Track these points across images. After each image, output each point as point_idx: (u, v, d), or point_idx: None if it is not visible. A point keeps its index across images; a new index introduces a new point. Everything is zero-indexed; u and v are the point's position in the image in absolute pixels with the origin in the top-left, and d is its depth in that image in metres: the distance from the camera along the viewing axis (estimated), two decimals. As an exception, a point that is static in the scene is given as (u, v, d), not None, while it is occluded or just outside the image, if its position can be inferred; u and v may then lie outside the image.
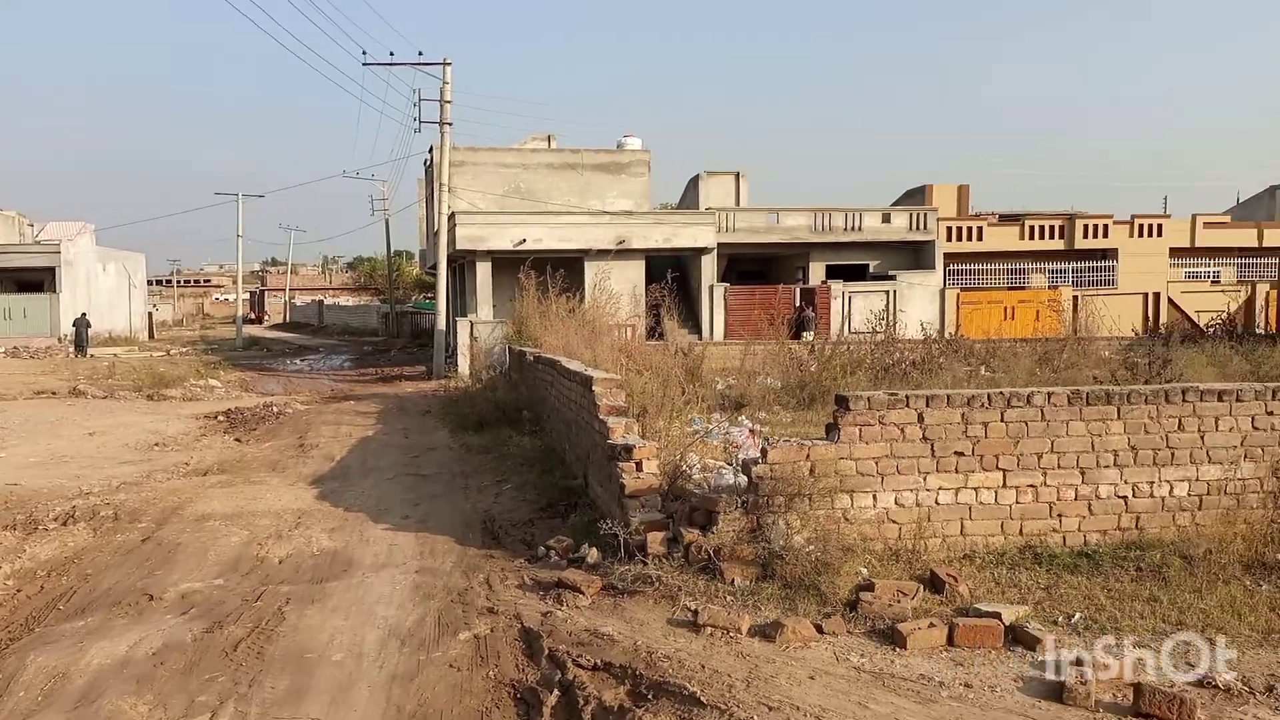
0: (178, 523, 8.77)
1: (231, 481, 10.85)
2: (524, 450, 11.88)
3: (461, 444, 13.20)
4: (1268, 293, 28.65)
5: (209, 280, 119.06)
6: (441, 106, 25.88)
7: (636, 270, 26.58)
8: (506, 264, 24.64)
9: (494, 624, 5.90)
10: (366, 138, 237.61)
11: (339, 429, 15.22)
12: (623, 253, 26.44)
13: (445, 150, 26.14)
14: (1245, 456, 7.07)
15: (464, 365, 23.08)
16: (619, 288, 23.04)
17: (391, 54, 26.39)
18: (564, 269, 20.32)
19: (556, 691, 4.93)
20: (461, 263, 28.73)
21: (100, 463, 12.03)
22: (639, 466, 7.21)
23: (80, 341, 33.30)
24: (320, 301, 75.41)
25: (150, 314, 50.62)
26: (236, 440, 14.20)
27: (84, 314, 34.67)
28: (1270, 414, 7.12)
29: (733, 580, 6.12)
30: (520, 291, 19.99)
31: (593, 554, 6.84)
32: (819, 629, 5.49)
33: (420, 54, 26.42)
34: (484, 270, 26.05)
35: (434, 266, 28.66)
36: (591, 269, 25.07)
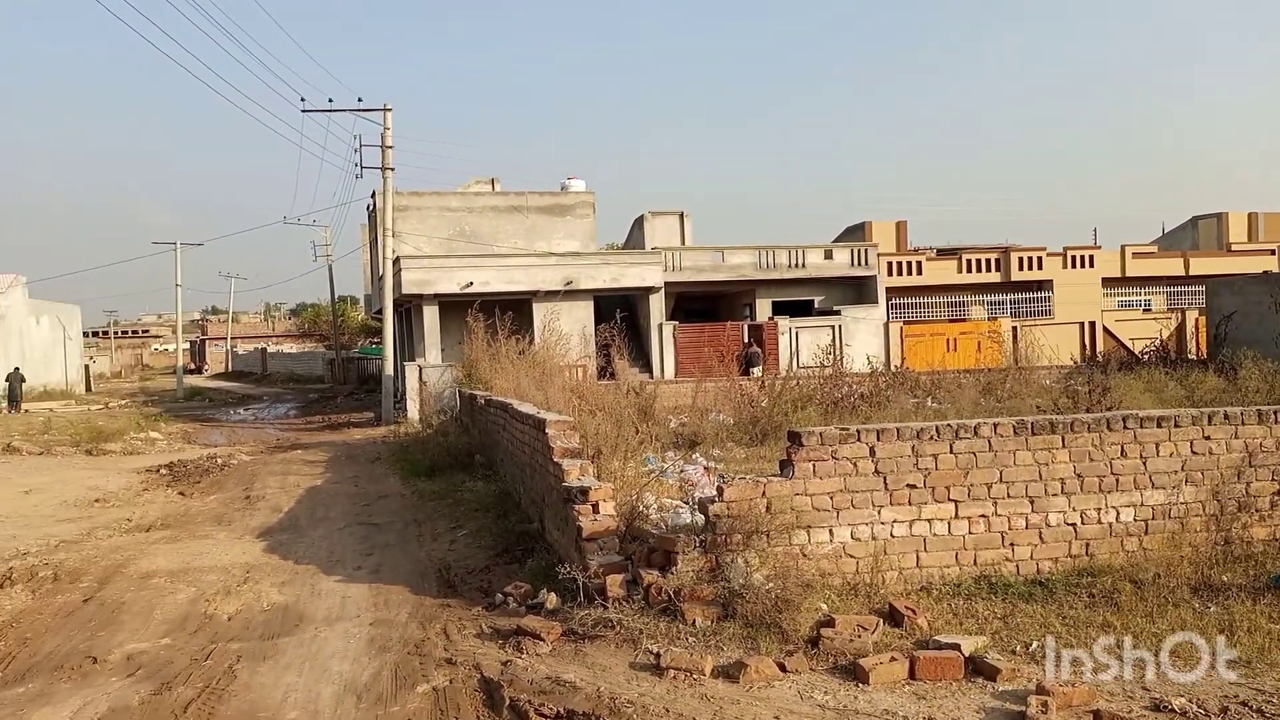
0: (121, 581, 8.48)
1: (176, 537, 10.55)
2: (478, 495, 11.75)
3: (413, 490, 13.01)
4: (1196, 319, 29.62)
5: (147, 330, 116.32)
6: (383, 152, 25.87)
7: (585, 310, 26.64)
8: (454, 307, 24.54)
9: (453, 675, 5.79)
10: (307, 184, 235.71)
11: (286, 479, 14.91)
12: (571, 293, 26.50)
13: (388, 195, 26.08)
14: (1186, 481, 7.28)
15: (413, 410, 22.82)
16: (568, 328, 23.05)
17: (330, 100, 26.25)
18: (512, 311, 20.28)
19: (520, 742, 4.85)
20: (408, 307, 28.53)
21: (37, 521, 11.62)
22: (595, 509, 7.17)
23: (13, 396, 32.22)
24: (263, 349, 74.11)
25: (87, 366, 49.20)
26: (180, 494, 13.83)
27: (17, 368, 33.60)
28: (1208, 439, 7.34)
29: (694, 621, 6.09)
30: (469, 335, 19.88)
31: (552, 599, 6.76)
32: (782, 667, 5.48)
33: (360, 100, 26.36)
34: (431, 314, 25.89)
35: (379, 311, 28.43)
36: (540, 310, 25.06)
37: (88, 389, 45.79)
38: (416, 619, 7.01)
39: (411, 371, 23.89)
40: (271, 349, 74.87)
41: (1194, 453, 7.31)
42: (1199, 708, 4.89)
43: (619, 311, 23.38)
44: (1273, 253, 33.55)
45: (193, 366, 68.55)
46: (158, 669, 6.13)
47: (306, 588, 8.13)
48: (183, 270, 46.23)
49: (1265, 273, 27.95)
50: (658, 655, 5.63)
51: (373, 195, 31.56)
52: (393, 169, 25.87)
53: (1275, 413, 7.49)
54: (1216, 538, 7.23)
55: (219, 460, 17.50)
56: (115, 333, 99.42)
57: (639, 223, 33.09)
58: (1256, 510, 7.29)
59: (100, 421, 25.15)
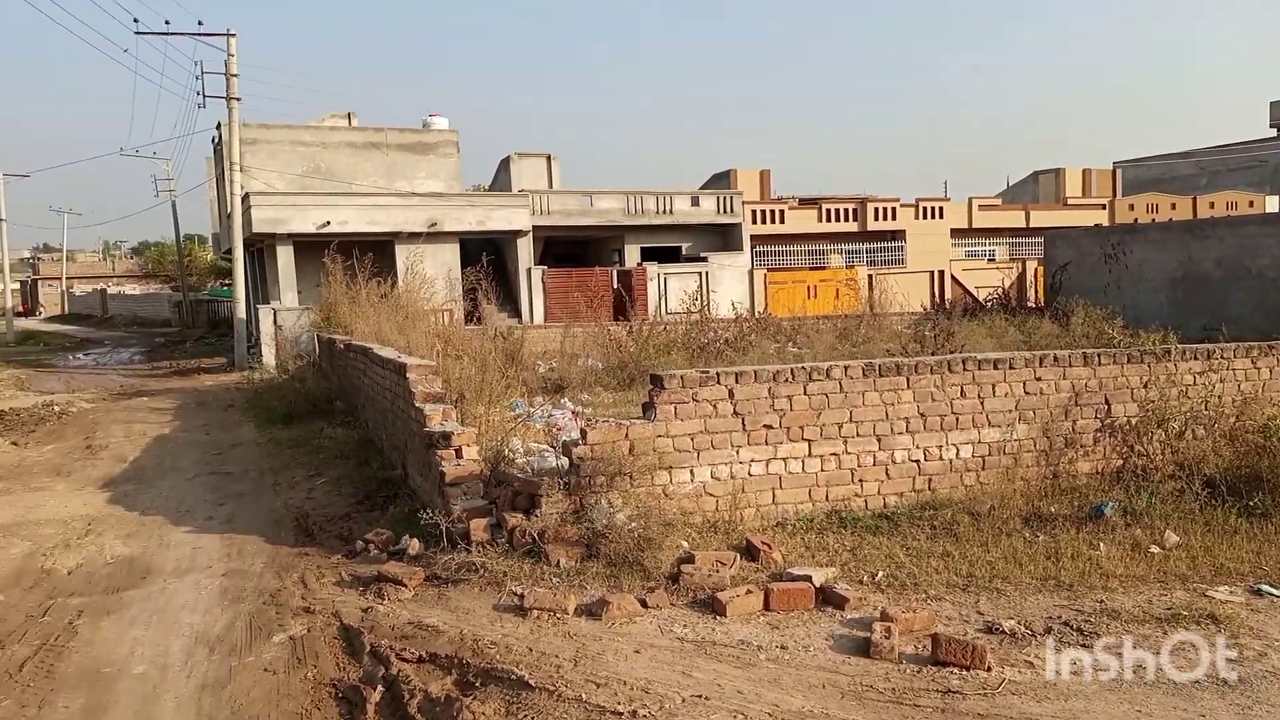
0: (-59, 539, 7.89)
1: (9, 489, 9.87)
2: (338, 442, 11.43)
3: (269, 438, 12.55)
4: (1036, 268, 31.47)
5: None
6: (228, 80, 24.25)
7: (451, 254, 26.04)
8: (310, 248, 23.52)
9: (311, 623, 5.68)
10: (145, 114, 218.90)
11: (131, 428, 14.11)
12: (435, 236, 25.81)
13: (235, 127, 24.56)
14: (1020, 419, 7.79)
15: (269, 356, 21.89)
16: (433, 272, 22.52)
17: (167, 23, 24.26)
18: (373, 253, 19.62)
19: (380, 687, 4.82)
20: (260, 247, 27.17)
21: None
22: (459, 453, 7.11)
23: None
24: (103, 290, 69.28)
25: (-106, 307, 44.85)
26: (13, 444, 12.89)
27: None
28: (1039, 379, 7.87)
29: (558, 562, 6.16)
30: (327, 277, 19.15)
31: (414, 545, 6.69)
32: (643, 603, 5.63)
33: (200, 23, 24.55)
34: (285, 255, 24.74)
35: (229, 251, 26.95)
36: (403, 253, 24.36)
37: (-102, 333, 41.80)
38: (273, 569, 6.82)
39: (266, 315, 22.84)
40: (112, 290, 70.07)
41: (1026, 393, 7.82)
42: (1026, 628, 5.31)
43: (485, 255, 22.98)
44: (1104, 207, 35.92)
45: (24, 309, 63.44)
46: (-14, 629, 5.76)
47: (154, 539, 7.77)
48: (7, 204, 42.53)
49: (1096, 226, 29.94)
50: (521, 596, 5.67)
51: (218, 127, 29.67)
52: (239, 99, 24.29)
53: (1099, 355, 8.09)
54: (1046, 472, 7.80)
55: (56, 408, 16.38)
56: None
57: (505, 164, 32.43)
58: (1081, 446, 7.89)
59: (-86, 368, 23.08)
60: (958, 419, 7.67)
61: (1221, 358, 8.33)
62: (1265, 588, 5.81)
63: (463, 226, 26.50)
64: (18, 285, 64.01)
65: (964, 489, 7.60)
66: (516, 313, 27.04)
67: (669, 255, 30.83)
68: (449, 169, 29.44)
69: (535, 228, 28.19)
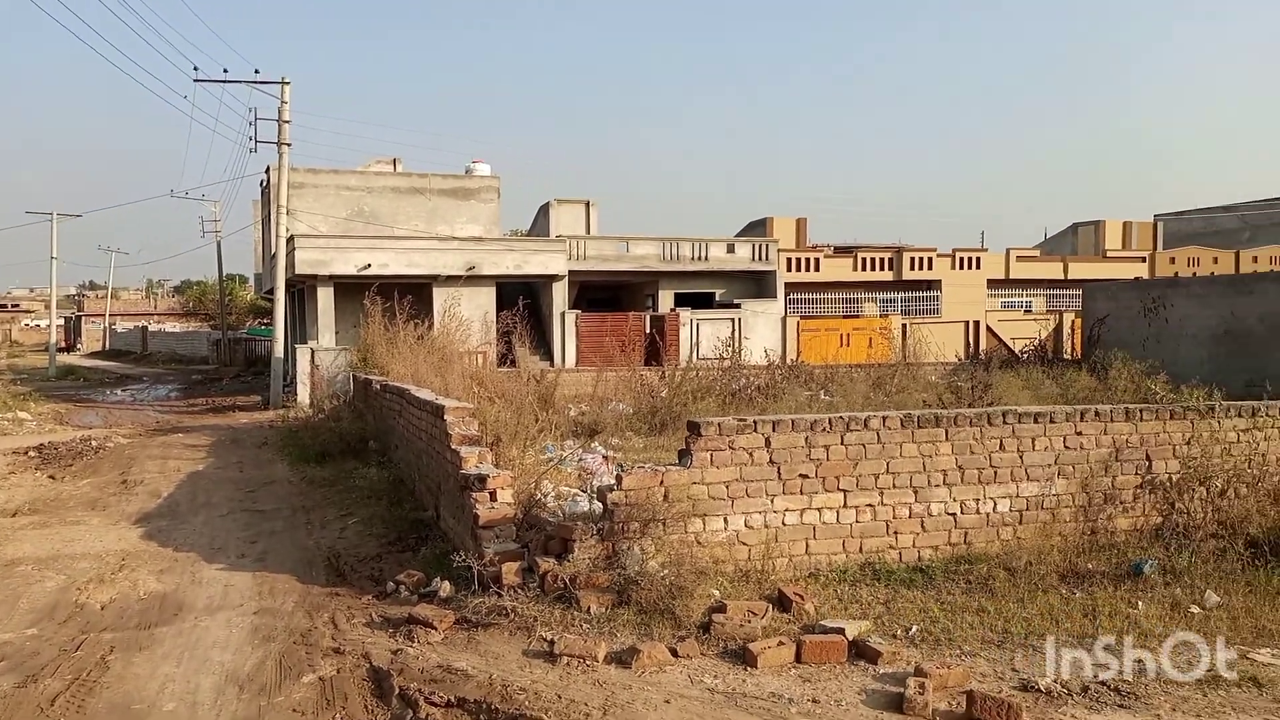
0: (-19, 570, 8.00)
1: (46, 522, 10.01)
2: (371, 482, 11.51)
3: (302, 477, 12.66)
4: (1073, 321, 31.16)
5: (18, 305, 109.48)
6: (280, 126, 24.95)
7: (487, 296, 26.32)
8: (350, 290, 23.91)
9: (340, 664, 5.68)
10: (197, 158, 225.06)
11: (166, 463, 14.30)
12: (473, 279, 26.15)
13: (284, 171, 25.18)
14: (1059, 474, 7.68)
15: (304, 394, 22.16)
16: (469, 314, 22.72)
17: (225, 71, 25.09)
18: (412, 295, 19.87)
19: (409, 731, 4.79)
20: (301, 287, 27.66)
21: (-114, 506, 10.84)
22: (493, 496, 7.12)
23: None
24: (144, 327, 70.65)
25: (-54, 341, 46.04)
26: (50, 477, 13.11)
27: None
28: (1079, 434, 7.76)
29: (589, 608, 6.12)
30: (365, 318, 19.39)
31: (445, 587, 6.69)
32: (674, 652, 5.56)
33: (257, 71, 25.33)
34: (326, 296, 25.16)
35: (270, 291, 27.49)
36: (440, 295, 24.63)
37: (-52, 365, 42.88)
38: (303, 608, 6.84)
39: (303, 354, 23.19)
40: (153, 327, 71.43)
41: (1066, 447, 7.71)
42: (1063, 688, 5.18)
43: (521, 299, 23.19)
44: (1144, 260, 35.56)
45: (65, 344, 64.82)
46: (22, 660, 5.82)
47: (187, 575, 7.83)
48: (59, 242, 43.75)
49: (1136, 279, 29.62)
50: (551, 642, 5.64)
51: (267, 171, 30.43)
52: (289, 144, 24.97)
53: (1140, 411, 7.97)
54: (1084, 527, 7.66)
55: (94, 443, 16.65)
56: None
57: (544, 210, 32.87)
58: (1121, 502, 7.75)
59: (-39, 400, 23.60)
60: (995, 472, 7.57)
61: (1266, 415, 8.18)
62: (1314, 653, 5.63)
63: (500, 270, 26.83)
64: (62, 321, 65.47)
65: (1000, 544, 7.47)
66: (549, 356, 27.20)
67: (703, 301, 30.92)
68: (489, 214, 29.89)
69: (571, 272, 28.45)
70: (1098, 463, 7.74)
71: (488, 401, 11.44)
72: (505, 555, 6.66)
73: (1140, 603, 6.40)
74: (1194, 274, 33.16)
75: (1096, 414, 7.86)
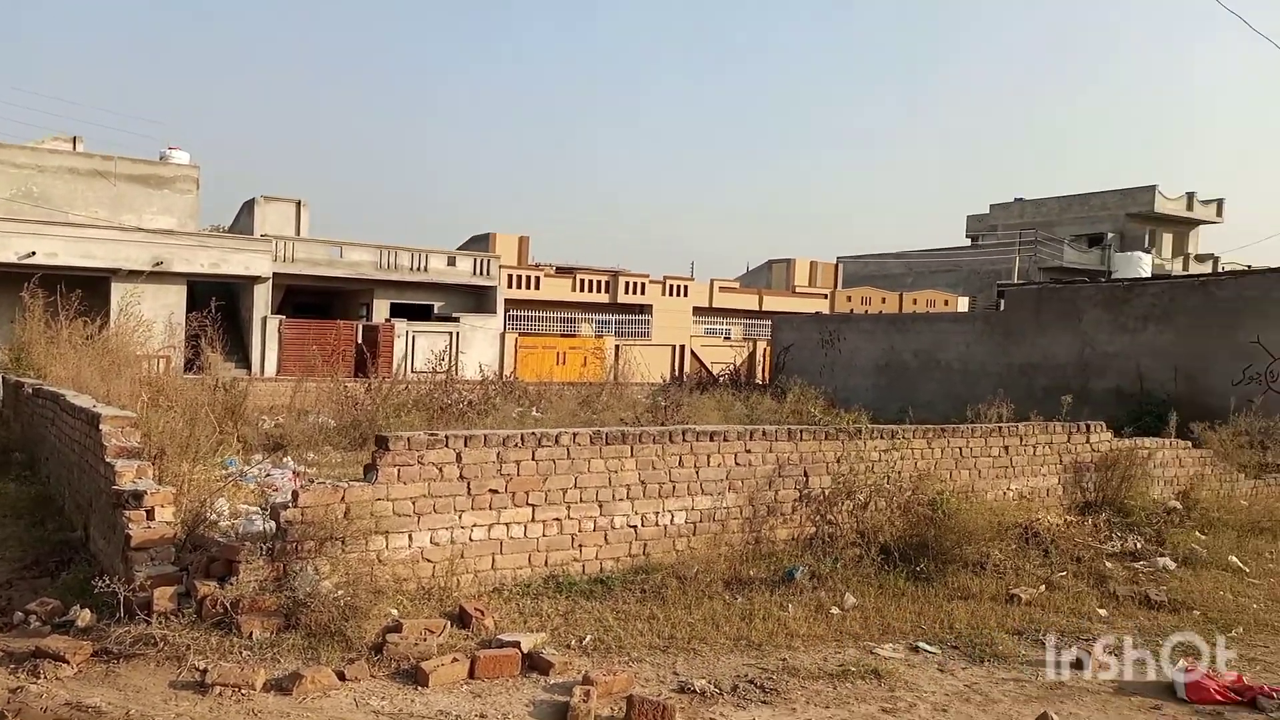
0: None
1: None
2: (10, 499, 10.12)
3: (-75, 493, 10.89)
4: (765, 348, 33.88)
5: None
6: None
7: (177, 296, 24.25)
8: (10, 279, 21.04)
9: (-57, 709, 4.94)
10: None
11: None
12: (160, 275, 23.95)
13: (-73, 138, 21.75)
14: (730, 488, 8.29)
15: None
16: (152, 314, 20.76)
17: None
18: (86, 290, 17.83)
19: (20, 779, 4.26)
20: (-55, 275, 23.95)
21: None
22: (150, 515, 6.51)
23: None
24: None
25: None
26: None
27: None
28: (749, 451, 8.43)
29: (250, 634, 5.76)
30: (24, 312, 17.14)
31: (85, 616, 6.02)
32: (341, 676, 5.37)
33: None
34: (-25, 286, 21.98)
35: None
36: (120, 292, 22.32)
37: None
38: (-98, 646, 5.88)
39: (-59, 352, 20.03)
40: None
41: (737, 464, 8.35)
42: (715, 687, 5.58)
43: (215, 300, 21.53)
44: (826, 296, 39.43)
45: None
46: None
47: None
48: None
49: (817, 313, 32.81)
50: (204, 671, 5.25)
51: (-97, 136, 26.12)
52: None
53: (800, 432, 8.80)
54: (749, 537, 8.32)
55: None
56: None
57: (249, 206, 30.76)
58: (781, 514, 8.51)
59: None
60: (674, 487, 8.03)
61: (903, 437, 9.32)
62: (923, 645, 6.48)
63: (193, 268, 24.80)
64: None
65: (676, 554, 7.93)
66: (246, 363, 25.47)
67: (421, 313, 30.35)
68: (185, 206, 27.56)
69: (277, 275, 26.88)
70: (763, 478, 8.44)
71: (161, 410, 10.49)
72: (160, 579, 6.11)
73: (790, 606, 7.05)
74: (865, 311, 37.28)
75: (764, 433, 8.58)
